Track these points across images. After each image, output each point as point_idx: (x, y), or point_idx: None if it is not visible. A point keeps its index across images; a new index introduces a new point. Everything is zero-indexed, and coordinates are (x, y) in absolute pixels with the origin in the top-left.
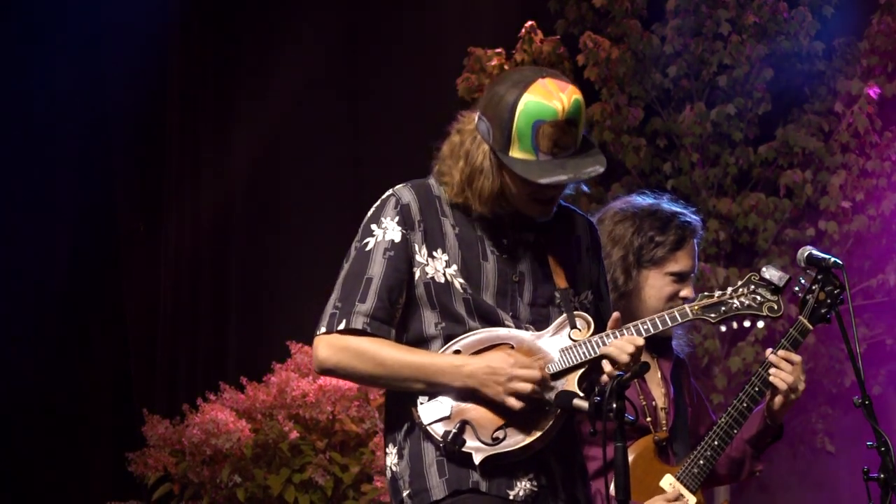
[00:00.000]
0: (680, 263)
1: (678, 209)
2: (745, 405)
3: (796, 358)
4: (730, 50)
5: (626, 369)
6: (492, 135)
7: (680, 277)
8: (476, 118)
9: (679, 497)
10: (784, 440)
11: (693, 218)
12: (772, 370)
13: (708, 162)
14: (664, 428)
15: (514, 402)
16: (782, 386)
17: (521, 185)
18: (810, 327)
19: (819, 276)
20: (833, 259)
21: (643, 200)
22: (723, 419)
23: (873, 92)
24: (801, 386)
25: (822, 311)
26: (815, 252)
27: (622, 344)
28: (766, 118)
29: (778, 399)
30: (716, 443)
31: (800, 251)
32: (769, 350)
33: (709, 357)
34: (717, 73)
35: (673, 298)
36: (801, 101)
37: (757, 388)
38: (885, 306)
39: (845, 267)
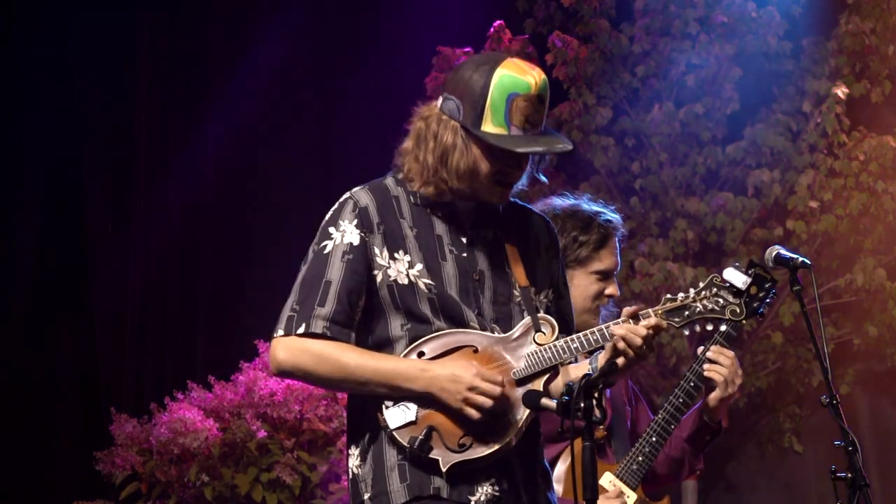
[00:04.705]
0: (604, 262)
1: (599, 208)
2: (681, 401)
3: (729, 353)
4: (698, 49)
5: (639, 353)
6: (462, 111)
7: (604, 276)
8: (439, 102)
9: (620, 494)
10: (752, 439)
11: (614, 216)
12: (706, 365)
13: (676, 161)
14: (602, 427)
15: (472, 413)
16: (718, 378)
17: (491, 161)
18: (743, 322)
19: (750, 270)
20: (801, 259)
21: (563, 201)
22: (659, 416)
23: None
24: (738, 380)
25: (754, 304)
26: (782, 252)
27: (636, 328)
28: (734, 118)
29: (714, 395)
30: (654, 439)
31: (767, 251)
32: (701, 348)
33: (676, 357)
34: (685, 73)
35: (599, 297)
36: (770, 100)
37: (692, 384)
38: (853, 306)
39: (813, 267)
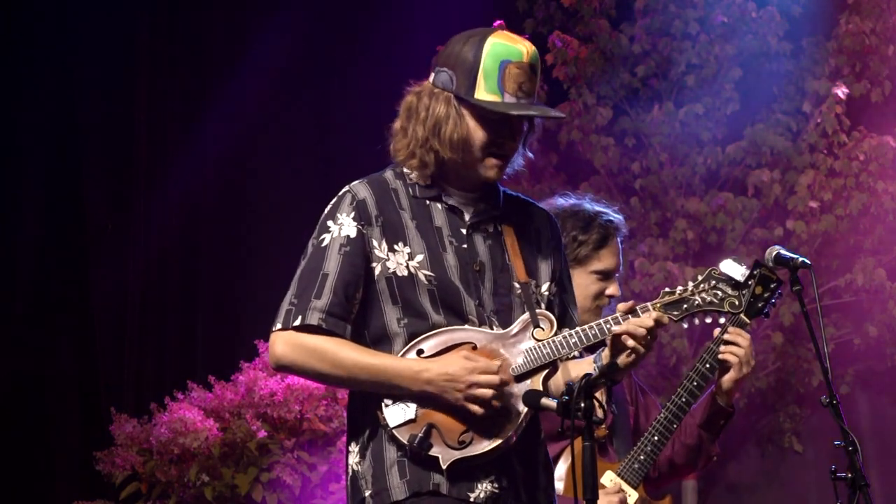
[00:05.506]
0: (604, 262)
1: (601, 208)
2: (683, 400)
3: (745, 335)
4: (698, 49)
5: (643, 345)
6: (455, 81)
7: (605, 276)
8: (431, 77)
9: (619, 491)
10: (752, 439)
11: (616, 217)
12: (722, 346)
13: (676, 161)
14: (603, 426)
15: (475, 408)
16: (733, 360)
17: (485, 130)
18: (747, 321)
19: (755, 271)
20: (801, 259)
21: (565, 201)
22: (662, 415)
23: (841, 92)
24: (752, 361)
25: (759, 305)
26: (783, 252)
27: (640, 320)
28: (734, 118)
29: (728, 376)
30: (656, 438)
31: (768, 251)
32: (717, 330)
33: (676, 356)
34: (685, 73)
35: (599, 297)
36: (770, 100)
37: (708, 365)
38: (853, 306)
39: (813, 267)
